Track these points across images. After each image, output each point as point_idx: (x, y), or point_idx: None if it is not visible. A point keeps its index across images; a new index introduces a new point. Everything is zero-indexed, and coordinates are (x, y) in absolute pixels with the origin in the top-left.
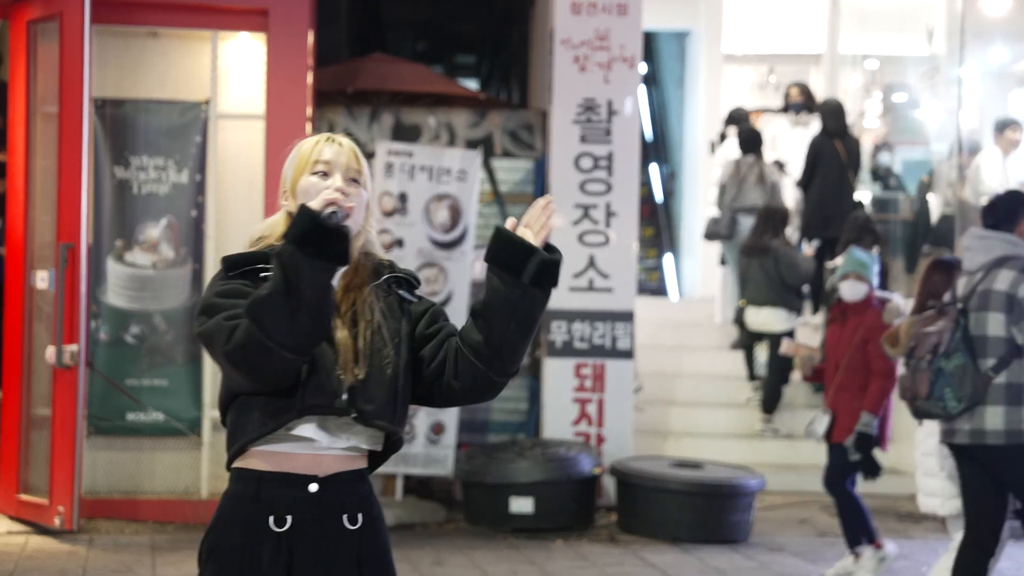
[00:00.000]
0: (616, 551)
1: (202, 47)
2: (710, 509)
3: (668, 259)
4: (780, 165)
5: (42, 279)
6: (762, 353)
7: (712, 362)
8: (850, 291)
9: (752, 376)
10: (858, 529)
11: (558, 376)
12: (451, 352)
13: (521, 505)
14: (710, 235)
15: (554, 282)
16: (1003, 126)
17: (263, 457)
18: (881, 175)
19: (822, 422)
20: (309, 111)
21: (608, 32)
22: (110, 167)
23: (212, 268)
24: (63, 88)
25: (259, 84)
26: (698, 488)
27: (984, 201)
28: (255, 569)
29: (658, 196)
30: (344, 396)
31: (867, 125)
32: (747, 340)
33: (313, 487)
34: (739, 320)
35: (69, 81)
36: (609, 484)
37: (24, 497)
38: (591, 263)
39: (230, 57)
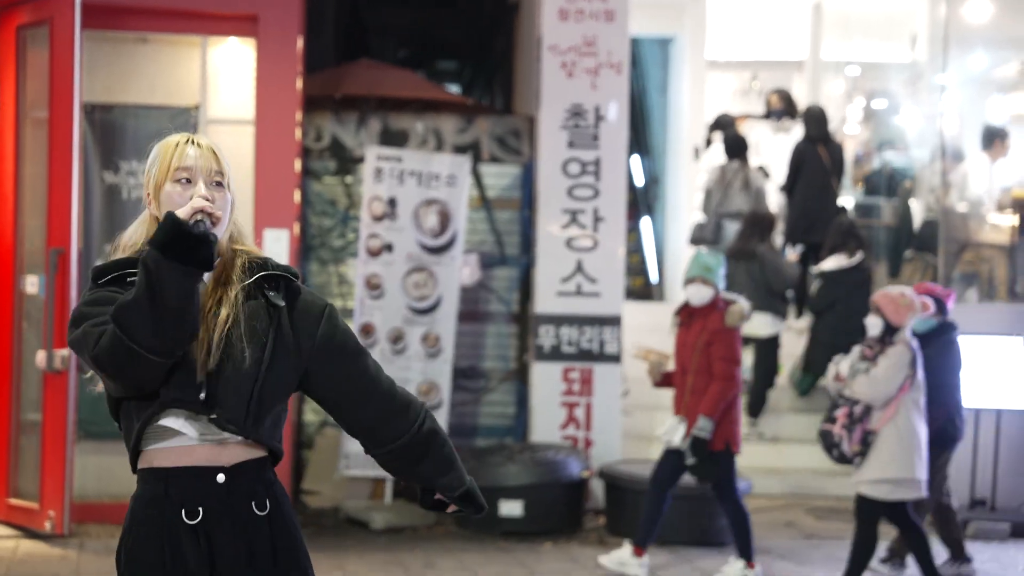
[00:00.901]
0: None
1: (192, 52)
2: (698, 512)
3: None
4: (763, 170)
5: (32, 284)
6: (747, 357)
7: None
8: (696, 295)
9: None
10: (744, 539)
11: (546, 380)
12: (350, 419)
13: (511, 508)
14: (696, 240)
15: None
16: (994, 135)
17: (164, 455)
18: (885, 175)
19: (677, 431)
20: (299, 116)
21: (595, 38)
22: (99, 172)
23: None
24: (53, 93)
25: (249, 89)
26: (686, 491)
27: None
28: (179, 563)
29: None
30: (202, 395)
31: (849, 131)
32: None
33: (220, 477)
34: None
35: (59, 86)
36: (597, 487)
37: (14, 502)
38: (579, 268)
39: (220, 62)
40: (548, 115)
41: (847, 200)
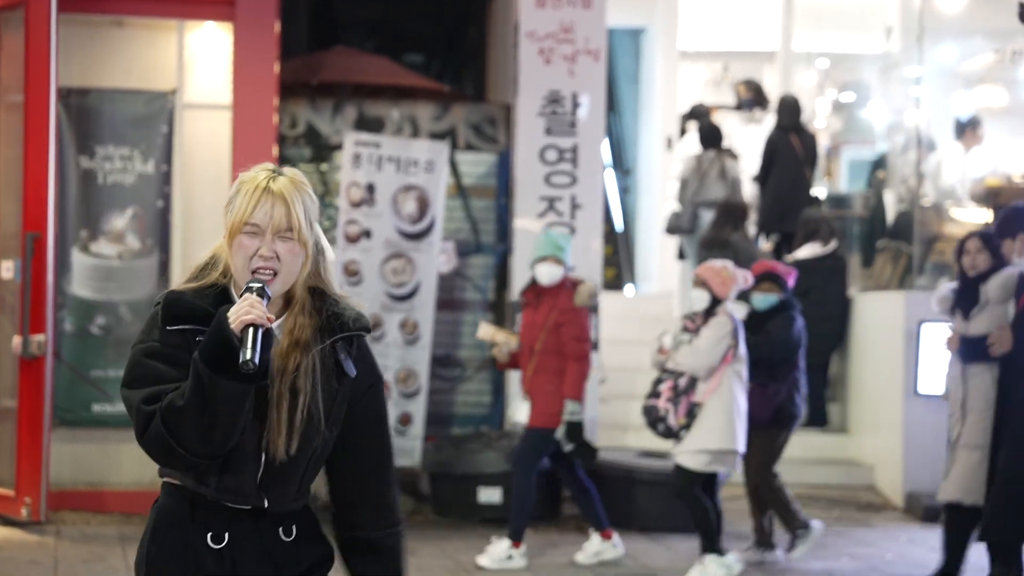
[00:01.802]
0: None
1: (168, 36)
2: (674, 498)
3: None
4: (731, 152)
5: (7, 269)
6: None
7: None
8: (547, 274)
9: None
10: (593, 513)
11: None
12: (340, 484)
13: (489, 495)
14: (672, 229)
15: None
16: (968, 124)
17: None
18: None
19: (522, 410)
20: (276, 101)
21: (573, 25)
22: (75, 157)
23: (179, 259)
24: (29, 78)
25: (225, 74)
26: (665, 478)
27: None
28: None
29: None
30: (257, 479)
31: (820, 122)
32: None
33: (246, 505)
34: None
35: (35, 70)
36: None
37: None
38: None
39: (196, 47)
40: (525, 102)
41: (820, 190)
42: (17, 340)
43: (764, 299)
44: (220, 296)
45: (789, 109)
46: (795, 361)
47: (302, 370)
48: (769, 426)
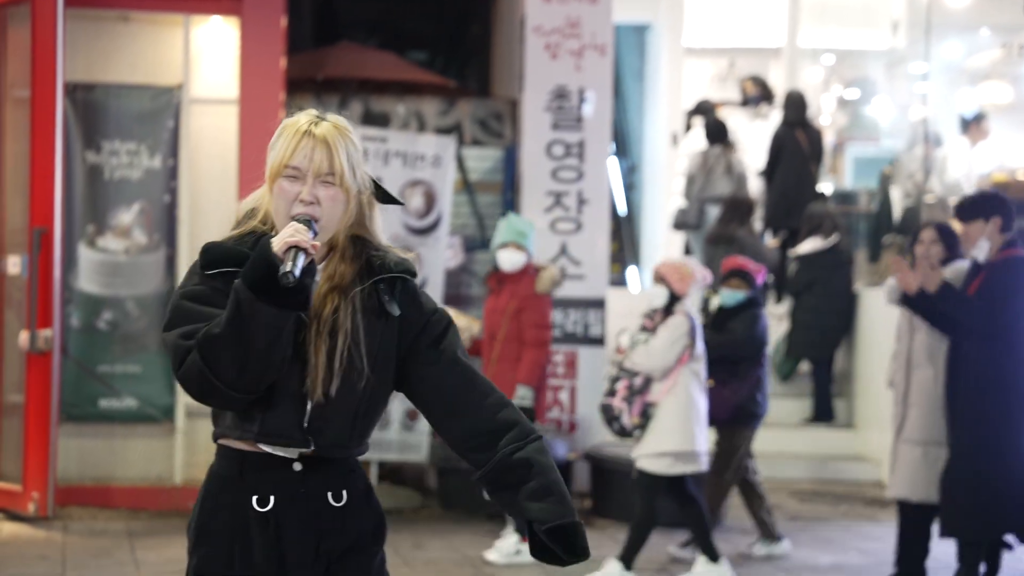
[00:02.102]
0: (593, 534)
1: (174, 31)
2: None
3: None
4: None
5: (14, 264)
6: None
7: None
8: (508, 260)
9: None
10: None
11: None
12: (441, 416)
13: None
14: (678, 225)
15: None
16: (974, 118)
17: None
18: None
19: None
20: (282, 96)
21: (579, 19)
22: (81, 152)
23: (186, 254)
24: (35, 72)
25: (232, 69)
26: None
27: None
28: (246, 549)
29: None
30: (305, 423)
31: (826, 118)
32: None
33: (296, 466)
34: (705, 309)
35: (41, 65)
36: (582, 470)
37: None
38: (563, 250)
39: (203, 41)
40: (532, 97)
41: (826, 186)
42: (24, 335)
43: (732, 295)
44: (259, 243)
45: (795, 105)
46: (758, 359)
47: (340, 311)
48: (730, 424)
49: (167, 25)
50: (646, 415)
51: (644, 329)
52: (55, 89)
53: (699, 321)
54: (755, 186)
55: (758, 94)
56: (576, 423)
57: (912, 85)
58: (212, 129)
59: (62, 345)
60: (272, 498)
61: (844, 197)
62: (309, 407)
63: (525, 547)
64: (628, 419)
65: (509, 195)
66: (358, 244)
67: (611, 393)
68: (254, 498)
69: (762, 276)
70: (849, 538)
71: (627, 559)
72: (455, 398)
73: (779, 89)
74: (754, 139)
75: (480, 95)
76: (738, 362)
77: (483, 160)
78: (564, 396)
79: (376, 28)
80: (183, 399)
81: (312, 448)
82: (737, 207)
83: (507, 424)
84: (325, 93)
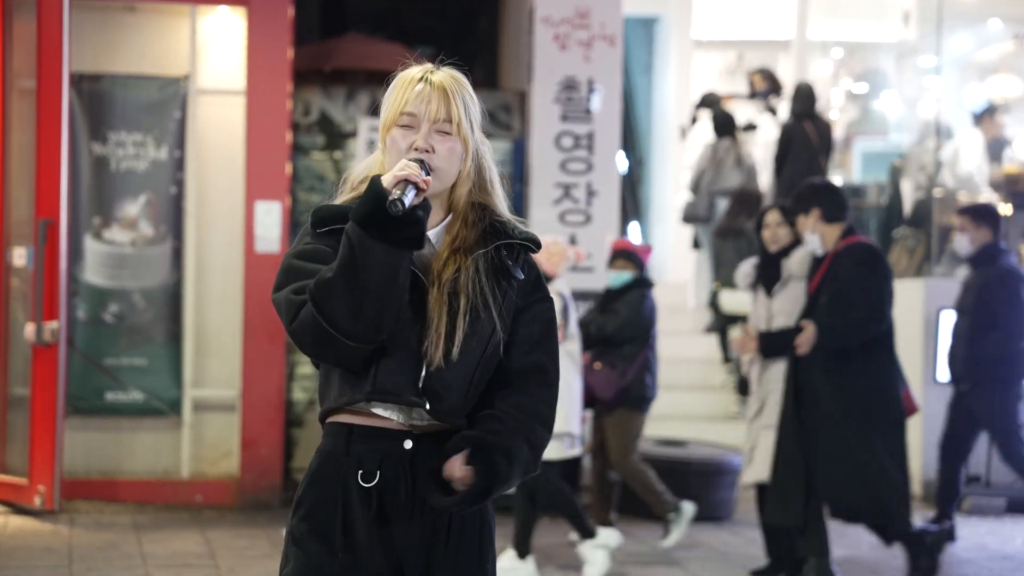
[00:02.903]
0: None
1: (181, 21)
2: (695, 487)
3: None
4: (752, 127)
5: (20, 256)
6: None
7: (687, 346)
8: None
9: (727, 359)
10: None
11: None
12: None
13: None
14: (688, 218)
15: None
16: (987, 111)
17: (353, 411)
18: None
19: None
20: (289, 87)
21: (589, 10)
22: (88, 143)
23: (192, 246)
24: (41, 63)
25: (239, 59)
26: (683, 466)
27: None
28: (349, 527)
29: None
30: (420, 384)
31: (836, 111)
32: (721, 323)
33: (408, 443)
34: (713, 303)
35: (47, 56)
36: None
37: (3, 477)
38: (572, 243)
39: (209, 32)
40: (541, 88)
41: (835, 179)
42: (30, 328)
43: (617, 277)
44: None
45: (804, 97)
46: (646, 341)
47: (463, 272)
48: (620, 407)
49: (174, 15)
50: None
51: None
52: (61, 80)
53: (572, 301)
54: (765, 179)
55: (766, 88)
56: (586, 417)
57: (921, 78)
58: (219, 120)
59: (68, 338)
60: (379, 474)
61: (853, 191)
62: (424, 370)
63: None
64: None
65: (518, 187)
66: (480, 210)
67: None
68: (359, 473)
69: (648, 256)
70: (860, 531)
71: (587, 532)
72: (516, 380)
73: (788, 82)
74: (764, 131)
75: (488, 87)
76: (623, 344)
77: (492, 152)
78: None
79: (383, 19)
80: (190, 392)
81: (427, 408)
82: (745, 200)
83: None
84: (332, 85)
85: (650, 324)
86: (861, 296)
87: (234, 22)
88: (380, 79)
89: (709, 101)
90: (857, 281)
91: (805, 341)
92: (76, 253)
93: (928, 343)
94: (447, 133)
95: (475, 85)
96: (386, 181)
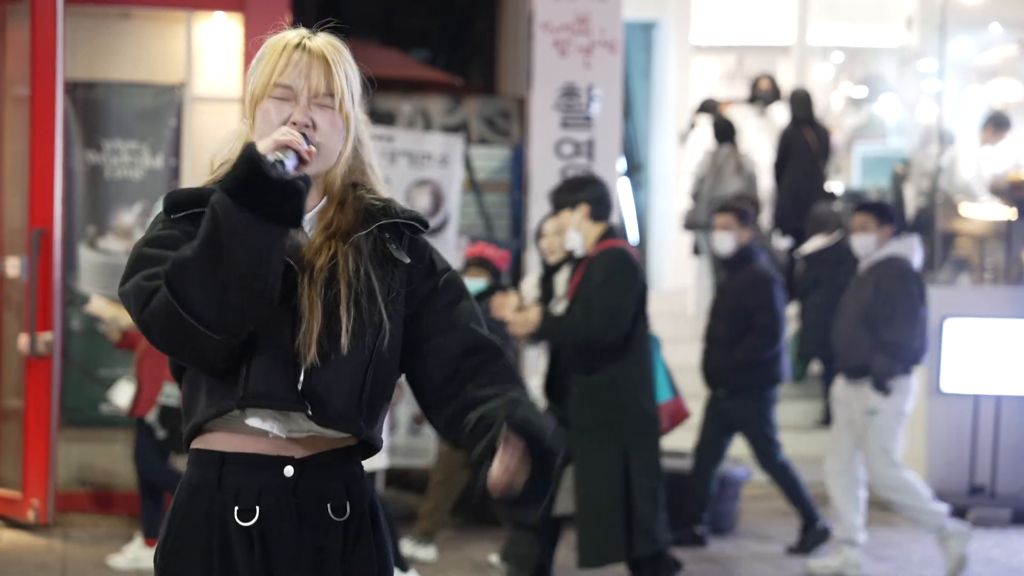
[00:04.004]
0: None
1: (176, 28)
2: None
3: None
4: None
5: (13, 266)
6: None
7: (685, 353)
8: None
9: None
10: (151, 517)
11: (540, 366)
12: (437, 385)
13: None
14: (689, 225)
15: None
16: (990, 119)
17: (224, 436)
18: None
19: (124, 392)
20: None
21: (589, 16)
22: (82, 151)
23: None
24: (35, 71)
25: (235, 66)
26: (685, 479)
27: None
28: (227, 572)
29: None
30: (299, 386)
31: (836, 116)
32: None
33: (288, 470)
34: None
35: (41, 63)
36: None
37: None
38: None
39: (205, 38)
40: (540, 95)
41: (836, 185)
42: (24, 338)
43: (472, 284)
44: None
45: (801, 103)
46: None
47: (340, 259)
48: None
49: (169, 22)
50: None
51: None
52: (55, 87)
53: None
54: (765, 185)
55: (771, 93)
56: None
57: (921, 83)
58: (215, 128)
59: (63, 349)
60: (257, 509)
61: (854, 196)
62: (303, 370)
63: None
64: None
65: (517, 195)
66: (357, 191)
67: None
68: (236, 509)
69: (506, 263)
70: (867, 544)
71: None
72: (458, 365)
73: (788, 87)
74: (760, 136)
75: (486, 92)
76: None
77: (490, 159)
78: None
79: (379, 24)
80: None
81: (309, 412)
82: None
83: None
84: None
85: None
86: (601, 302)
87: (230, 29)
88: (377, 85)
89: (708, 107)
90: (602, 288)
91: (521, 323)
92: (70, 263)
93: (932, 352)
94: (327, 107)
95: (472, 91)
96: (262, 148)
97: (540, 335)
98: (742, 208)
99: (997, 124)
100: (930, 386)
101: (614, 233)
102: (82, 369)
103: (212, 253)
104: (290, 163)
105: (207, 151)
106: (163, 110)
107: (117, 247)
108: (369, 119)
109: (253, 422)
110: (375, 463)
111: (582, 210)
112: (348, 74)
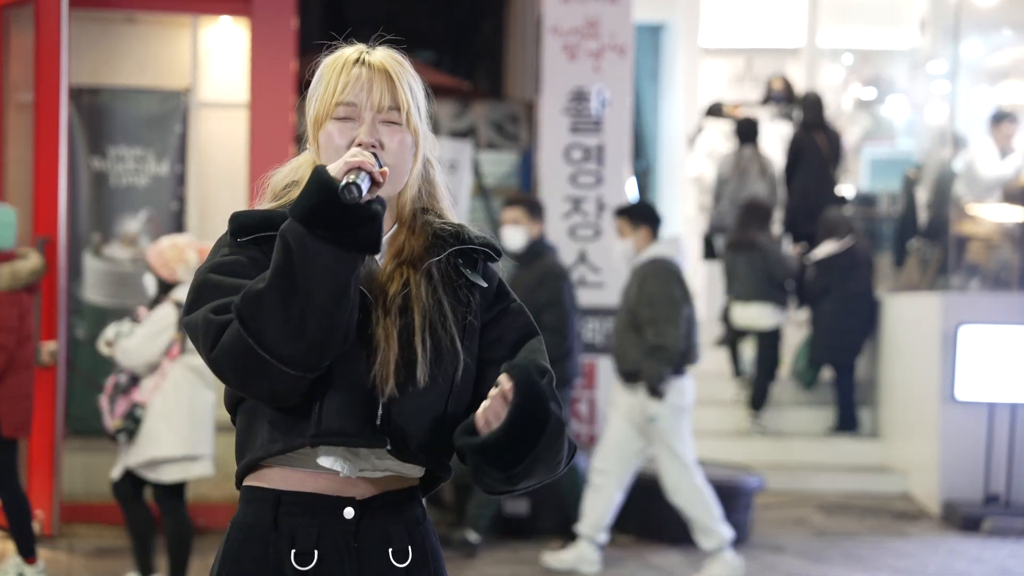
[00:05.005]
0: (615, 552)
1: (182, 33)
2: (648, 506)
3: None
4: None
5: None
6: (748, 350)
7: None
8: None
9: (737, 373)
10: (21, 533)
11: None
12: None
13: (516, 507)
14: (714, 228)
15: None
16: (998, 119)
17: (282, 473)
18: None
19: None
20: (293, 99)
21: (598, 19)
22: (87, 158)
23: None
24: (39, 76)
25: (242, 71)
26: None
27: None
28: None
29: None
30: (378, 420)
31: (847, 119)
32: (731, 337)
33: (348, 512)
34: (724, 317)
35: (45, 69)
36: None
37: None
38: (582, 258)
39: (211, 43)
40: (549, 99)
41: (847, 189)
42: None
43: None
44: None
45: (812, 106)
46: None
47: (413, 285)
48: None
49: (174, 26)
50: (133, 416)
51: (135, 320)
52: (59, 93)
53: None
54: (782, 188)
55: (783, 94)
56: (596, 436)
57: (930, 84)
58: (221, 134)
59: (68, 358)
60: (316, 553)
61: (864, 200)
62: (381, 404)
63: (31, 569)
64: (110, 420)
65: None
66: (427, 215)
67: (102, 389)
68: (292, 552)
69: None
70: (880, 555)
71: (145, 567)
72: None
73: (799, 90)
74: (772, 139)
75: (494, 96)
76: None
77: (499, 164)
78: (583, 408)
79: (385, 27)
80: None
81: (388, 447)
82: (755, 212)
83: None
84: None
85: None
86: None
87: (236, 33)
88: None
89: (716, 110)
90: None
91: None
92: (75, 271)
93: (946, 359)
94: (395, 123)
95: (480, 95)
96: (333, 170)
97: None
98: (532, 201)
99: (1010, 119)
100: (944, 394)
101: None
102: (87, 379)
103: (287, 284)
104: (364, 185)
105: (213, 157)
106: (169, 116)
107: (122, 255)
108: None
109: (324, 461)
110: None
111: None
112: (412, 86)
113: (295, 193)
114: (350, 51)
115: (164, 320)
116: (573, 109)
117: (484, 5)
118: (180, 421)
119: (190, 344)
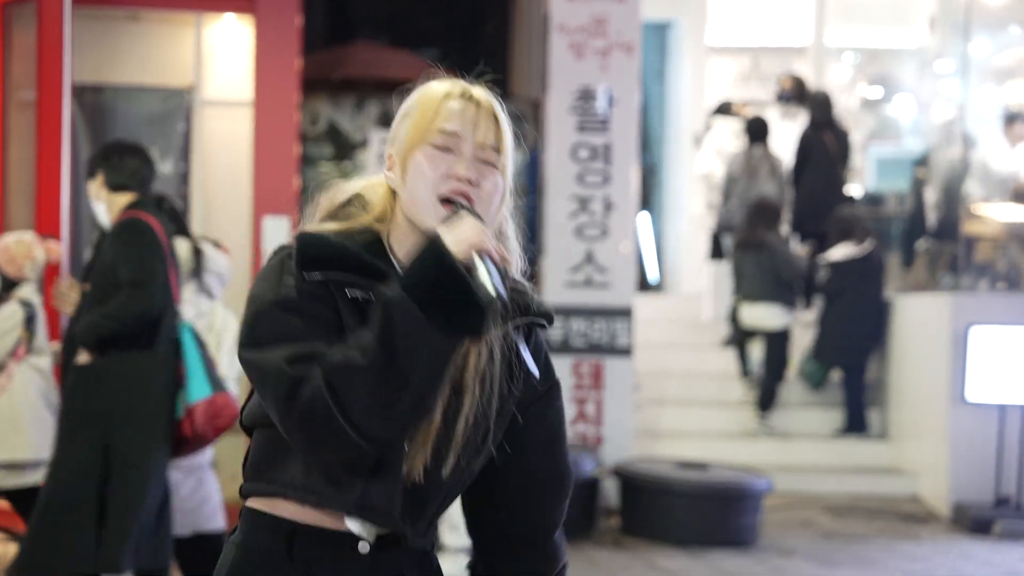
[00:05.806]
0: (623, 555)
1: (185, 31)
2: (717, 511)
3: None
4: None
5: None
6: (756, 350)
7: (702, 360)
8: None
9: (745, 373)
10: None
11: None
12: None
13: None
14: (723, 227)
15: None
16: (1011, 119)
17: (300, 508)
18: None
19: None
20: (298, 97)
21: (606, 18)
22: (89, 156)
23: None
24: (41, 74)
25: (246, 69)
26: (705, 490)
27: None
28: None
29: None
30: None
31: (854, 118)
32: (739, 337)
33: (363, 547)
34: (732, 317)
35: (47, 67)
36: (609, 486)
37: (2, 504)
38: (589, 258)
39: (215, 41)
40: (556, 98)
41: (855, 188)
42: None
43: None
44: (375, 246)
45: (820, 105)
46: None
47: (472, 362)
48: None
49: (178, 24)
50: None
51: None
52: (62, 91)
53: (41, 309)
54: (791, 188)
55: (793, 93)
56: (602, 437)
57: (937, 83)
58: (225, 132)
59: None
60: None
61: (872, 200)
62: (402, 485)
63: None
64: None
65: (532, 199)
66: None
67: None
68: None
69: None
70: (889, 558)
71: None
72: (535, 493)
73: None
74: (781, 138)
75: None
76: None
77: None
78: (590, 408)
79: (390, 25)
80: None
81: (407, 531)
82: (763, 211)
83: (553, 550)
84: (340, 93)
85: None
86: (127, 275)
87: (241, 31)
88: (389, 88)
89: (724, 109)
90: (119, 257)
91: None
92: (78, 271)
93: (956, 360)
94: (490, 166)
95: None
96: (455, 246)
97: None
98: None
99: (1014, 119)
100: (954, 395)
101: (144, 204)
102: None
103: (386, 362)
104: (495, 274)
105: (217, 156)
106: (172, 114)
107: None
108: (382, 122)
109: (352, 526)
110: None
111: (99, 179)
112: (511, 132)
113: (357, 213)
114: (449, 84)
115: (11, 320)
116: (580, 108)
117: (490, 3)
118: (19, 425)
119: (37, 344)
